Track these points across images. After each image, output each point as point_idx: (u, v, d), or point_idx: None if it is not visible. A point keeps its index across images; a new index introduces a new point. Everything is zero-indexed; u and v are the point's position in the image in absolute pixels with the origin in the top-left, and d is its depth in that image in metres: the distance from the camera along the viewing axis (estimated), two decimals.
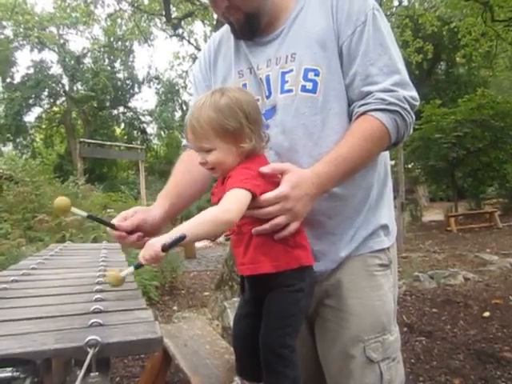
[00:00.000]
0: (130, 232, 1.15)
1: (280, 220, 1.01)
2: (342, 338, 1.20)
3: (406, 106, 1.11)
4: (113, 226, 1.13)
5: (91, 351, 0.67)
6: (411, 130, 1.17)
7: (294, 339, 1.09)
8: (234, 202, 0.96)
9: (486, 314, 4.00)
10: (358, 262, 1.22)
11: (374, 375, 1.18)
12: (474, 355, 3.11)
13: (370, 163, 1.18)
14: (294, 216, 1.03)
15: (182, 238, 0.89)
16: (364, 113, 1.11)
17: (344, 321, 1.20)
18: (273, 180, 1.04)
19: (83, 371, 0.64)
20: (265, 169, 1.02)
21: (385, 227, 1.25)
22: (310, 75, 1.14)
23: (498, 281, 5.32)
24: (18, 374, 0.67)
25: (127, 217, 1.17)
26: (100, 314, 0.84)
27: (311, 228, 1.15)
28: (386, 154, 1.29)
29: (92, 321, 0.77)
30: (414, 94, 1.14)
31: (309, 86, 1.14)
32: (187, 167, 1.32)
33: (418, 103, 1.14)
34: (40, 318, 0.83)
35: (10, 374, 0.66)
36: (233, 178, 1.00)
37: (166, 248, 0.88)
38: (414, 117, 1.15)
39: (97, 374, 0.68)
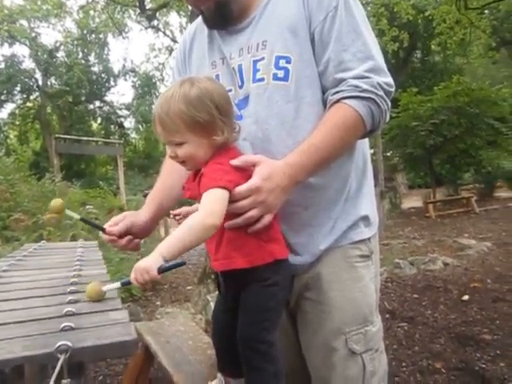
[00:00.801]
0: (120, 236, 1.20)
1: (252, 213, 0.99)
2: (323, 331, 1.19)
3: (381, 93, 1.09)
4: (103, 230, 1.18)
5: (62, 357, 0.64)
6: (387, 117, 1.14)
7: (273, 333, 1.08)
8: (214, 203, 0.94)
9: (465, 297, 4.08)
10: (338, 254, 1.20)
11: (356, 367, 1.18)
12: (455, 339, 3.16)
13: (346, 152, 1.16)
14: (267, 208, 1.01)
15: (182, 263, 0.89)
16: (337, 101, 1.09)
17: (325, 313, 1.19)
18: (245, 173, 1.02)
19: (53, 378, 0.61)
20: (236, 161, 1.00)
21: (365, 218, 1.24)
22: (282, 63, 1.11)
23: (476, 264, 5.43)
24: None
25: (118, 222, 1.21)
26: (72, 317, 0.81)
27: (287, 220, 1.14)
28: (365, 143, 1.27)
29: (63, 324, 0.74)
30: (389, 80, 1.12)
31: (280, 74, 1.11)
32: (173, 167, 1.30)
33: (393, 89, 1.12)
34: (8, 323, 0.79)
35: None
36: (206, 177, 0.98)
37: (162, 271, 0.86)
38: (389, 103, 1.12)
39: (69, 380, 0.65)
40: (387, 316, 3.67)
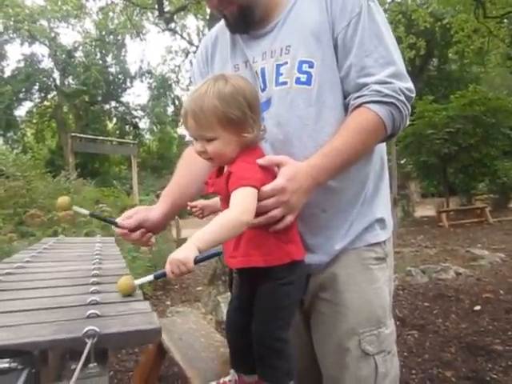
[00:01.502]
0: (133, 230, 1.21)
1: (275, 212, 1.01)
2: (337, 331, 1.20)
3: (402, 98, 1.11)
4: (116, 224, 1.20)
5: (89, 341, 0.66)
6: (407, 122, 1.16)
7: (287, 331, 1.10)
8: (247, 201, 0.96)
9: (477, 307, 4.04)
10: (353, 256, 1.22)
11: (369, 368, 1.19)
12: (466, 348, 3.14)
13: (366, 155, 1.18)
14: (290, 209, 1.03)
15: (219, 253, 0.88)
16: (359, 105, 1.11)
17: (339, 314, 1.20)
18: (270, 172, 1.04)
19: (82, 361, 0.64)
20: (261, 161, 1.02)
21: (381, 221, 1.25)
22: (305, 67, 1.13)
23: (488, 275, 5.38)
24: (15, 365, 0.66)
25: (130, 216, 1.23)
26: (97, 306, 0.83)
27: (306, 222, 1.16)
28: (383, 147, 1.29)
29: (89, 312, 0.77)
30: (410, 85, 1.14)
31: (303, 78, 1.13)
32: (189, 166, 1.34)
33: (413, 95, 1.14)
34: (36, 309, 0.82)
35: (7, 365, 0.66)
36: (235, 175, 0.99)
37: (198, 262, 0.87)
38: (409, 108, 1.14)
39: (95, 364, 0.67)
40: (398, 323, 3.66)
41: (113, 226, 1.22)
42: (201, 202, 1.43)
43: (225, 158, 1.04)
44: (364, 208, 1.22)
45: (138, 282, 0.94)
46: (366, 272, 1.22)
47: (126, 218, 1.23)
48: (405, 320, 3.81)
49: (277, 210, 1.01)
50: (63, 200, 1.16)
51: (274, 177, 1.02)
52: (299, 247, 1.11)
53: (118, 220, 1.21)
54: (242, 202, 0.95)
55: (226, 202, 1.04)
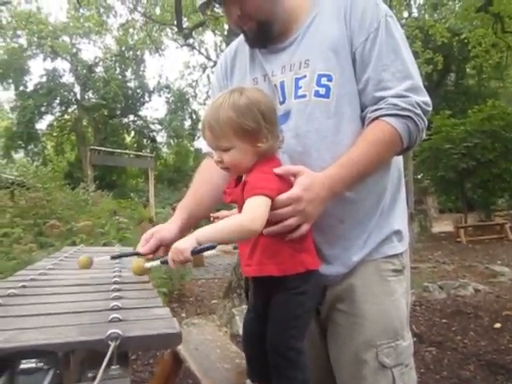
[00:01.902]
0: (155, 250, 1.24)
1: (291, 221, 1.03)
2: (354, 343, 1.20)
3: (419, 112, 1.12)
4: (138, 254, 1.24)
5: (113, 344, 0.68)
6: (423, 135, 1.18)
7: (301, 341, 1.10)
8: (256, 209, 0.98)
9: (497, 325, 3.96)
10: (371, 267, 1.22)
11: (386, 381, 1.18)
12: (485, 366, 3.08)
13: (382, 167, 1.19)
14: (306, 218, 1.04)
15: (213, 247, 0.93)
16: (376, 118, 1.13)
17: (357, 325, 1.20)
18: (287, 182, 1.06)
19: (105, 362, 0.66)
20: (278, 170, 1.04)
21: (398, 233, 1.25)
22: (323, 81, 1.16)
23: (508, 292, 5.26)
24: (41, 365, 0.69)
25: (148, 239, 1.26)
26: (119, 311, 0.85)
27: (323, 232, 1.17)
28: (400, 160, 1.30)
29: (111, 316, 0.79)
30: (427, 99, 1.15)
31: (322, 91, 1.16)
32: (205, 177, 1.37)
33: (430, 108, 1.15)
34: (60, 313, 0.85)
35: (34, 365, 0.68)
36: (250, 184, 1.02)
37: (195, 253, 0.92)
38: (426, 122, 1.16)
39: (118, 366, 0.69)
40: (415, 339, 3.55)
41: (137, 257, 1.26)
42: (223, 213, 1.46)
43: (240, 167, 1.07)
44: (381, 219, 1.23)
45: (148, 264, 1.05)
46: (384, 284, 1.22)
47: (145, 242, 1.25)
48: (422, 336, 3.74)
49: (293, 218, 1.03)
50: (84, 260, 1.29)
51: (291, 186, 1.04)
52: (313, 257, 1.12)
53: (138, 249, 1.25)
54: (253, 210, 0.97)
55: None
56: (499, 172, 11.44)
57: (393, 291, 1.22)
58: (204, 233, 0.95)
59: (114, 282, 1.13)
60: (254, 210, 0.97)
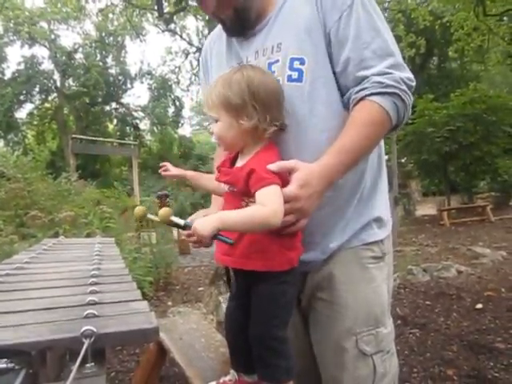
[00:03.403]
0: None
1: (289, 218, 1.01)
2: (334, 331, 1.20)
3: (404, 88, 1.09)
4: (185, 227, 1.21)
5: (87, 341, 0.66)
6: (410, 112, 1.15)
7: (284, 330, 1.10)
8: (277, 202, 0.98)
9: (479, 305, 4.04)
10: (350, 255, 1.21)
11: (367, 368, 1.18)
12: (467, 346, 3.14)
13: (374, 148, 1.17)
14: (303, 214, 1.03)
15: (231, 244, 0.98)
16: (362, 98, 1.09)
17: (337, 313, 1.20)
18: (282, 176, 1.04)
19: (79, 361, 0.63)
20: (272, 166, 1.02)
21: (378, 220, 1.24)
22: (296, 64, 1.13)
23: (490, 273, 5.37)
24: (12, 365, 0.66)
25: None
26: (95, 306, 0.83)
27: None
28: (380, 144, 1.28)
29: (87, 312, 0.77)
30: (410, 75, 1.12)
31: (294, 75, 1.13)
32: None
33: (414, 83, 1.12)
34: (34, 310, 0.82)
35: (4, 366, 0.66)
36: (258, 174, 1.01)
37: (212, 239, 0.97)
38: (411, 97, 1.13)
39: (93, 364, 0.67)
40: (399, 322, 3.66)
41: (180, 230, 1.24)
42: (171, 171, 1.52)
43: (226, 141, 1.10)
44: (361, 206, 1.22)
45: (174, 218, 1.09)
46: (363, 271, 1.21)
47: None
48: (406, 319, 3.80)
49: (290, 215, 1.01)
50: (140, 210, 1.23)
51: (287, 178, 1.03)
52: (299, 254, 1.12)
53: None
54: (272, 203, 0.97)
55: (238, 196, 1.05)
56: (481, 155, 11.60)
57: (373, 278, 1.22)
58: (227, 221, 0.97)
59: (92, 276, 1.11)
60: (276, 203, 0.97)
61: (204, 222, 0.96)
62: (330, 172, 1.05)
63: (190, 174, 1.48)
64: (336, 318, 1.20)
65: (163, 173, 1.51)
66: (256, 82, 1.05)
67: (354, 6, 1.11)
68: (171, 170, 1.50)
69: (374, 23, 1.12)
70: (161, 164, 1.52)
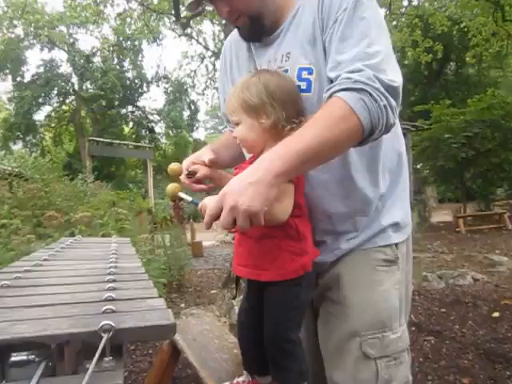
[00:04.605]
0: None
1: (224, 219, 0.91)
2: (339, 331, 1.19)
3: (377, 86, 0.98)
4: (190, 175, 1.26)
5: (105, 336, 0.67)
6: (392, 116, 1.01)
7: (297, 332, 1.11)
8: (288, 199, 1.03)
9: (496, 314, 3.97)
10: (360, 256, 1.20)
11: (369, 371, 1.15)
12: (483, 355, 3.09)
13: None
14: (245, 211, 0.90)
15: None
16: (330, 96, 1.02)
17: (342, 314, 1.19)
18: None
19: (98, 354, 0.64)
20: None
21: (394, 225, 1.22)
22: (304, 74, 1.13)
23: (507, 282, 5.27)
24: (33, 357, 0.68)
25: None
26: (113, 302, 0.84)
27: (313, 227, 1.17)
28: (400, 142, 1.26)
29: (105, 307, 0.78)
30: (391, 77, 1.01)
31: (303, 85, 1.13)
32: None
33: (397, 85, 1.01)
34: (54, 304, 0.83)
35: (25, 358, 0.67)
36: None
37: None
38: (392, 100, 1.00)
39: (111, 358, 0.68)
40: (413, 329, 3.61)
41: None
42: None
43: (248, 143, 1.12)
44: (376, 212, 1.20)
45: (182, 194, 1.17)
46: (372, 273, 1.19)
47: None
48: (421, 326, 3.75)
49: (225, 215, 0.91)
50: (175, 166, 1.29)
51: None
52: (313, 257, 1.12)
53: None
54: (284, 201, 1.01)
55: None
56: (498, 162, 11.41)
57: (381, 281, 1.19)
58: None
59: (109, 273, 1.12)
60: (287, 201, 1.02)
61: (211, 201, 0.95)
62: (270, 162, 0.93)
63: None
64: (342, 318, 1.19)
65: (193, 186, 1.27)
66: (273, 83, 1.08)
67: (347, 10, 1.06)
68: (199, 171, 1.27)
69: (364, 27, 1.05)
70: (187, 167, 1.27)
